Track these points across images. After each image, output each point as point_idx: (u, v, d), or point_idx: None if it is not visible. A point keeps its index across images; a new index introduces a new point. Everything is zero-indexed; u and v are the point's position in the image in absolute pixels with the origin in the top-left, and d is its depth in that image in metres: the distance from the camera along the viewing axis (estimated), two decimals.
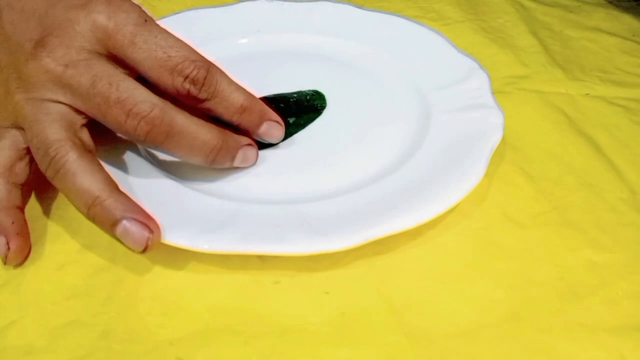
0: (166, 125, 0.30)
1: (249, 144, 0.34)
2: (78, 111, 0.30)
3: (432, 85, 0.39)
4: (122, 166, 0.34)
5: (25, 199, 0.32)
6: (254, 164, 0.34)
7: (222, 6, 0.45)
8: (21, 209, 0.32)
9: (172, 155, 0.32)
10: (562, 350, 0.27)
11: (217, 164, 0.32)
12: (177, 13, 0.45)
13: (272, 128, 0.35)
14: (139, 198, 0.31)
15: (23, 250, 0.31)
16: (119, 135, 0.34)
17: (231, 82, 0.33)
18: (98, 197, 0.29)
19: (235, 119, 0.33)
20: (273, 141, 0.36)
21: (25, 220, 0.31)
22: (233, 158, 0.33)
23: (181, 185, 0.33)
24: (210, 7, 0.45)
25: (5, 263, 0.30)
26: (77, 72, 0.30)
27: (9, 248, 0.30)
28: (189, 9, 0.45)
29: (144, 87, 0.30)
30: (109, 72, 0.30)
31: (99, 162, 0.30)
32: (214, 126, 0.32)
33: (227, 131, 0.33)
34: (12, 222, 0.30)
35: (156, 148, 0.32)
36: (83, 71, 0.30)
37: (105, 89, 0.29)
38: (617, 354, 0.27)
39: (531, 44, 0.46)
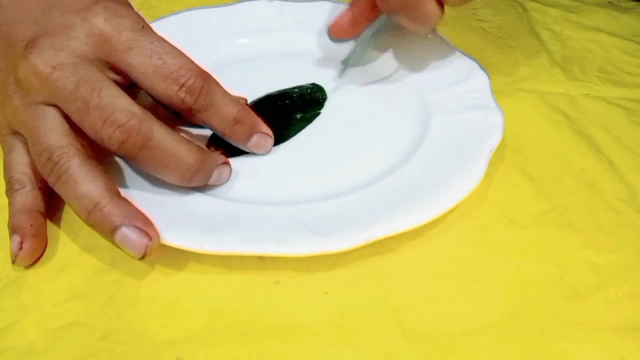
0: (143, 136, 0.29)
1: (224, 163, 0.33)
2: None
3: (432, 86, 0.39)
4: (123, 167, 0.34)
5: (46, 204, 0.32)
6: (227, 181, 0.34)
7: (222, 6, 0.45)
8: (43, 214, 0.32)
9: (148, 171, 0.31)
10: (562, 350, 0.27)
11: (192, 184, 0.32)
12: (177, 13, 0.45)
13: (261, 140, 0.35)
14: (139, 200, 0.31)
15: (35, 252, 0.31)
16: None
17: (225, 94, 0.33)
18: (98, 203, 0.29)
19: (227, 131, 0.33)
20: (262, 153, 0.35)
21: (44, 226, 0.32)
22: (209, 178, 0.32)
23: (181, 186, 0.33)
24: (210, 7, 0.45)
25: (13, 262, 0.30)
26: (63, 75, 0.29)
27: (21, 248, 0.30)
28: (189, 9, 0.45)
29: (127, 97, 0.30)
30: (94, 77, 0.30)
31: (100, 167, 0.30)
32: (193, 145, 0.31)
33: (205, 150, 0.32)
34: (31, 225, 0.31)
35: (131, 161, 0.31)
36: (69, 74, 0.29)
37: (87, 94, 0.29)
38: (617, 354, 0.27)
39: (531, 44, 0.46)
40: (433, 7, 0.34)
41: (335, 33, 0.40)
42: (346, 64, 0.40)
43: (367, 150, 0.36)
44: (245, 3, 0.46)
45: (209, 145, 0.36)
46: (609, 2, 0.50)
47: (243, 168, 0.35)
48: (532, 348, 0.27)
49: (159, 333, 0.28)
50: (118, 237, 0.29)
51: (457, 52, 0.41)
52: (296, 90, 0.40)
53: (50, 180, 0.30)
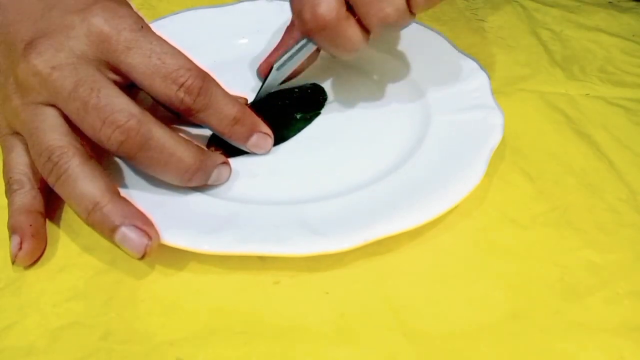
0: (142, 137, 0.29)
1: (224, 163, 0.33)
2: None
3: (432, 86, 0.39)
4: (123, 167, 0.34)
5: (46, 204, 0.32)
6: (227, 181, 0.34)
7: (222, 6, 0.46)
8: (42, 214, 0.32)
9: (147, 171, 0.31)
10: (562, 350, 0.27)
11: (192, 184, 0.32)
12: (177, 13, 0.45)
13: (261, 140, 0.35)
14: (139, 200, 0.31)
15: (35, 253, 0.31)
16: None
17: (225, 94, 0.33)
18: (98, 203, 0.29)
19: (226, 131, 0.33)
20: (261, 153, 0.35)
21: (44, 226, 0.32)
22: (208, 178, 0.32)
23: (181, 186, 0.33)
24: (210, 7, 0.45)
25: (13, 263, 0.30)
26: (62, 75, 0.29)
27: (20, 248, 0.30)
28: (189, 9, 0.45)
29: (126, 97, 0.30)
30: (93, 77, 0.30)
31: (100, 167, 0.30)
32: (192, 145, 0.31)
33: (204, 150, 0.32)
34: (30, 225, 0.30)
35: (131, 162, 0.31)
36: (68, 74, 0.29)
37: (86, 94, 0.29)
38: (617, 354, 0.27)
39: (531, 44, 0.46)
40: (355, 32, 0.33)
41: (264, 72, 0.39)
42: (261, 92, 0.39)
43: (367, 150, 0.36)
44: (245, 3, 0.46)
45: (209, 145, 0.36)
46: (609, 2, 0.50)
47: (243, 168, 0.35)
48: (532, 348, 0.27)
49: (159, 333, 0.28)
50: (118, 237, 0.29)
51: (457, 52, 0.41)
52: (296, 90, 0.40)
53: (50, 181, 0.30)
